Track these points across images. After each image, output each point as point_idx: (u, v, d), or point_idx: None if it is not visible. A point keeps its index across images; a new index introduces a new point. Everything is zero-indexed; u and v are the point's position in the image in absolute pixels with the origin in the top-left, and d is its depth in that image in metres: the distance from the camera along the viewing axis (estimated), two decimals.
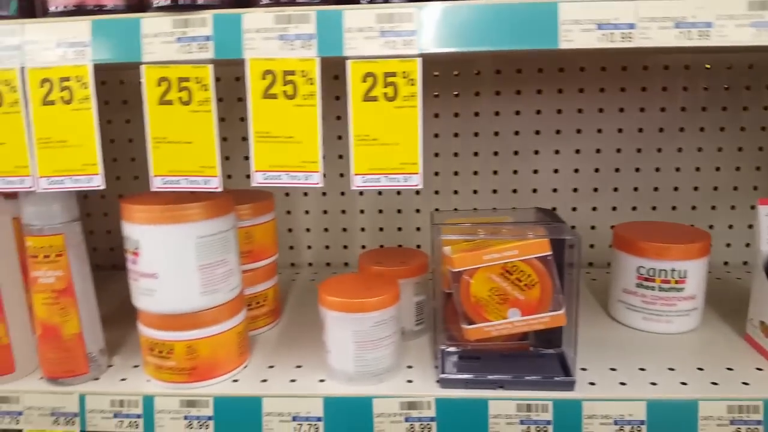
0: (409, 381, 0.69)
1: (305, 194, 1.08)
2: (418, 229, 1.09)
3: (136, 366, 0.75)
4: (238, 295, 0.72)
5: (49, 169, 0.59)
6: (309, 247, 1.12)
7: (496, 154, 1.05)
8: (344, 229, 1.10)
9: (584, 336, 0.78)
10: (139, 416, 0.69)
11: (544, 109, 1.03)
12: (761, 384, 0.65)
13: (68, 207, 0.67)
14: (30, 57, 0.58)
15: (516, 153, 1.05)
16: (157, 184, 0.59)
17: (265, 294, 0.83)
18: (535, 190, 1.06)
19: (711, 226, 1.06)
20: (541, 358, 0.69)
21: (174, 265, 0.65)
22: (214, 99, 0.57)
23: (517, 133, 1.04)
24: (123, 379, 0.72)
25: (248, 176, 0.65)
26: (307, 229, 1.11)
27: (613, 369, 0.70)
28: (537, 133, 1.04)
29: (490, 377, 0.65)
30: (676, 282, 0.76)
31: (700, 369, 0.69)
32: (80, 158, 0.58)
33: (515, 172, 1.06)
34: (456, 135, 1.05)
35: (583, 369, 0.69)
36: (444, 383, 0.66)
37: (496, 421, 0.64)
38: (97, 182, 0.59)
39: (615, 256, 0.81)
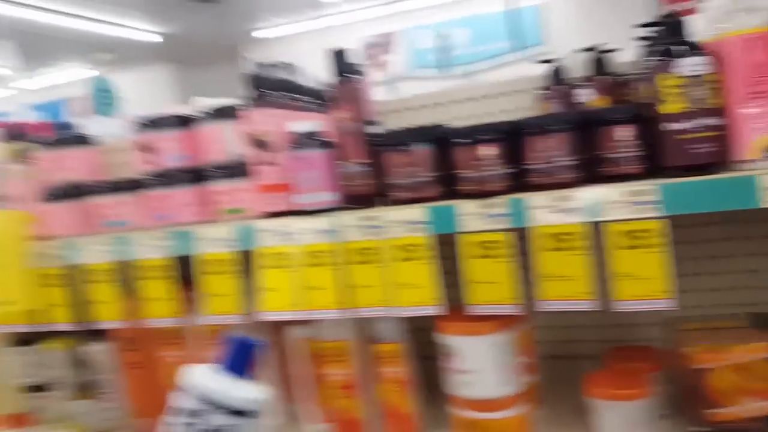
0: None
1: None
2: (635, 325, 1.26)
3: None
4: (523, 386, 0.97)
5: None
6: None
7: None
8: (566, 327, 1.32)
9: None
10: None
11: None
12: None
13: (402, 325, 0.99)
14: (387, 232, 0.91)
15: None
16: (472, 310, 0.88)
17: (532, 384, 1.08)
18: None
19: None
20: None
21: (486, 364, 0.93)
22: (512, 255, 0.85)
23: None
24: None
25: None
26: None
27: None
28: None
29: None
30: None
31: None
32: (425, 295, 0.90)
33: None
34: None
35: None
36: None
37: None
38: (437, 310, 0.89)
39: None
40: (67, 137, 1.19)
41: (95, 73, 9.10)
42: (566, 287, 0.83)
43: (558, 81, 1.18)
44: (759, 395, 0.82)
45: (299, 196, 0.97)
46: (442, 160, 0.92)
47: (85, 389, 1.19)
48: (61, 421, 1.20)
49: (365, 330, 1.04)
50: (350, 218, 0.93)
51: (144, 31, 7.75)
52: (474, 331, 0.93)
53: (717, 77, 0.80)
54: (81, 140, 1.21)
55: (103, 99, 2.95)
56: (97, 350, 1.17)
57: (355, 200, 0.96)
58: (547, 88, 1.19)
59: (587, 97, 1.10)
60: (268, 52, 8.63)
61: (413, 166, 0.91)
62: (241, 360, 0.40)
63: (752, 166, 0.79)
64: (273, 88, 1.01)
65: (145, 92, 8.68)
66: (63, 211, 1.13)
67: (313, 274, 0.95)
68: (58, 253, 1.11)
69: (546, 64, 1.21)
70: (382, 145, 0.94)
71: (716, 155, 0.81)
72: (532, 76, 1.24)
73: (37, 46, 7.52)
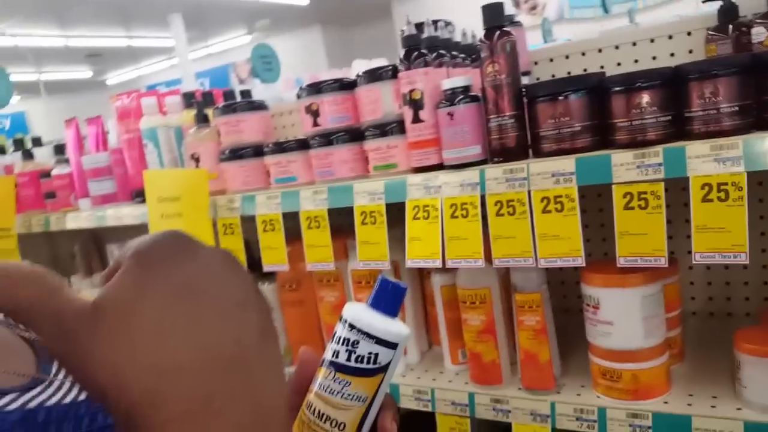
0: None
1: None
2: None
3: (582, 386, 1.05)
4: (665, 340, 0.97)
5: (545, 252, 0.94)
6: (692, 298, 1.30)
7: None
8: (727, 283, 1.25)
9: None
10: (594, 421, 0.98)
11: None
12: None
13: (542, 275, 1.02)
14: (533, 184, 0.94)
15: None
16: (621, 263, 0.88)
17: (674, 339, 1.06)
18: None
19: None
20: None
21: (627, 315, 0.93)
22: (663, 206, 0.84)
23: None
24: (578, 395, 1.03)
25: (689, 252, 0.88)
26: (691, 282, 1.29)
27: None
28: None
29: None
30: None
31: None
32: (567, 247, 0.92)
33: None
34: None
35: None
36: None
37: None
38: (579, 262, 0.91)
39: None
40: (242, 103, 1.35)
41: (254, 39, 9.86)
42: (722, 239, 0.81)
43: (728, 20, 1.09)
44: None
45: (448, 151, 1.03)
46: (593, 109, 0.92)
47: None
48: None
49: (506, 279, 1.08)
50: (496, 171, 0.97)
51: None
52: (620, 283, 0.93)
53: None
54: (254, 106, 1.37)
55: (265, 65, 3.19)
56: (266, 289, 1.34)
57: (504, 153, 0.99)
58: (716, 29, 1.11)
59: (760, 37, 1.02)
60: (421, 8, 8.79)
61: (563, 116, 0.92)
62: (389, 300, 0.48)
63: None
64: (425, 47, 1.07)
65: (299, 54, 9.24)
66: (239, 169, 1.30)
67: (457, 225, 1.01)
68: (236, 206, 1.28)
69: (715, 2, 1.13)
70: (532, 97, 0.96)
71: None
72: (701, 16, 1.16)
73: (201, 18, 8.30)
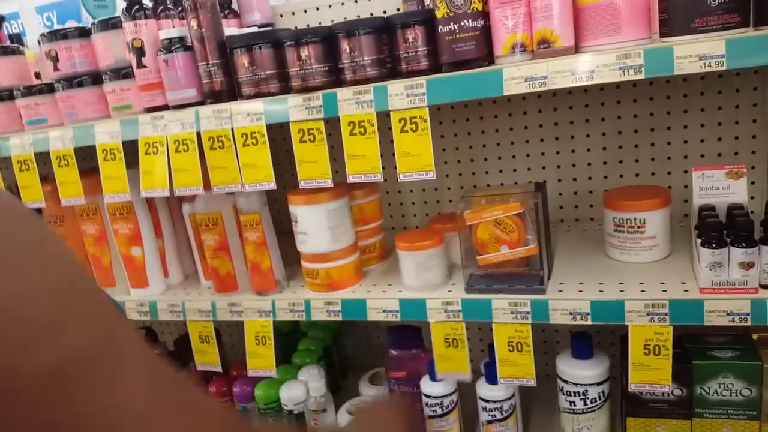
0: (449, 291, 1.14)
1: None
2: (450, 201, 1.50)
3: (302, 286, 1.30)
4: (353, 244, 1.23)
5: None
6: (403, 216, 1.59)
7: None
8: (412, 203, 1.56)
9: (576, 264, 1.16)
10: (303, 311, 1.23)
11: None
12: (676, 292, 0.99)
13: (261, 199, 1.23)
14: (236, 122, 1.12)
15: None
16: (302, 185, 1.11)
17: (374, 244, 1.33)
18: (568, 165, 1.42)
19: (686, 186, 1.33)
20: (528, 276, 1.09)
21: (316, 226, 1.17)
22: (325, 139, 1.07)
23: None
24: (294, 292, 1.27)
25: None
26: (400, 203, 1.59)
27: (581, 283, 1.08)
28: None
29: (494, 286, 1.08)
30: (638, 227, 1.10)
31: (642, 283, 1.05)
32: (262, 174, 1.12)
33: (542, 154, 1.42)
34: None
35: (561, 283, 1.09)
36: (468, 290, 1.11)
37: (496, 312, 1.07)
38: (272, 186, 1.13)
39: (604, 213, 1.17)
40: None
41: None
42: (364, 164, 1.05)
43: None
44: (510, 244, 1.06)
45: (170, 93, 1.18)
46: (277, 60, 1.11)
47: None
48: None
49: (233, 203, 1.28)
50: (207, 111, 1.14)
51: None
52: (308, 201, 1.17)
53: None
54: (7, 51, 1.41)
55: (97, 2, 3.02)
56: None
57: (214, 96, 1.16)
58: None
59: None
60: None
61: (253, 65, 1.11)
62: None
63: (503, 61, 0.98)
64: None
65: None
66: None
67: (180, 158, 1.18)
68: None
69: None
70: (230, 48, 1.13)
71: (478, 51, 0.99)
72: None
73: None
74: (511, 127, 1.44)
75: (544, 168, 1.44)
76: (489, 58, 1.00)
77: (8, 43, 1.49)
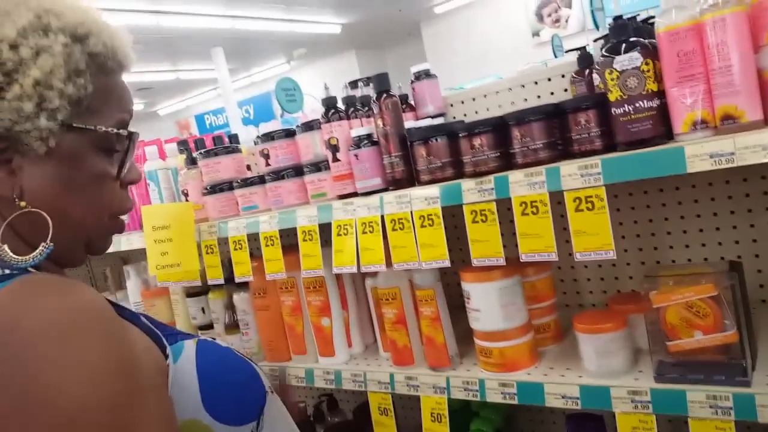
0: (636, 378, 1.07)
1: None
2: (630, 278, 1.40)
3: (475, 363, 1.31)
4: (527, 323, 1.22)
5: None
6: (577, 293, 1.53)
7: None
8: (587, 279, 1.49)
9: None
10: (477, 390, 1.24)
11: None
12: None
13: (435, 275, 1.29)
14: (414, 206, 1.22)
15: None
16: (474, 263, 1.15)
17: (548, 323, 1.31)
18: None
19: None
20: (728, 365, 0.98)
21: (488, 304, 1.20)
22: (497, 219, 1.11)
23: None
24: (468, 370, 1.29)
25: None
26: (574, 280, 1.53)
27: None
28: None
29: (689, 376, 0.99)
30: None
31: None
32: (437, 253, 1.19)
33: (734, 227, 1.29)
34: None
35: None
36: (657, 380, 1.03)
37: (692, 405, 0.98)
38: (446, 263, 1.18)
39: None
40: (219, 148, 1.68)
41: (293, 67, 10.43)
42: (537, 243, 1.07)
43: (584, 66, 1.35)
44: (704, 330, 0.97)
45: (359, 182, 1.32)
46: (451, 149, 1.20)
47: (234, 327, 1.70)
48: None
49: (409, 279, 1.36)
50: (390, 197, 1.26)
51: (326, 23, 8.63)
52: (480, 278, 1.20)
53: (653, 67, 0.96)
54: (228, 150, 1.70)
55: (288, 97, 3.52)
56: (240, 298, 1.66)
57: (395, 183, 1.28)
58: (576, 73, 1.37)
59: (597, 81, 1.27)
60: (447, 27, 9.27)
61: (429, 155, 1.21)
62: None
63: (684, 138, 0.94)
64: (345, 103, 1.39)
65: (337, 78, 9.71)
66: (216, 200, 1.63)
67: (366, 238, 1.30)
68: (214, 230, 1.61)
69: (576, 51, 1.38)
70: (410, 142, 1.24)
71: (654, 131, 0.97)
72: (571, 62, 1.42)
73: (243, 50, 8.90)
74: (695, 198, 1.35)
75: (737, 242, 1.31)
76: (666, 135, 0.98)
77: (229, 143, 1.79)
